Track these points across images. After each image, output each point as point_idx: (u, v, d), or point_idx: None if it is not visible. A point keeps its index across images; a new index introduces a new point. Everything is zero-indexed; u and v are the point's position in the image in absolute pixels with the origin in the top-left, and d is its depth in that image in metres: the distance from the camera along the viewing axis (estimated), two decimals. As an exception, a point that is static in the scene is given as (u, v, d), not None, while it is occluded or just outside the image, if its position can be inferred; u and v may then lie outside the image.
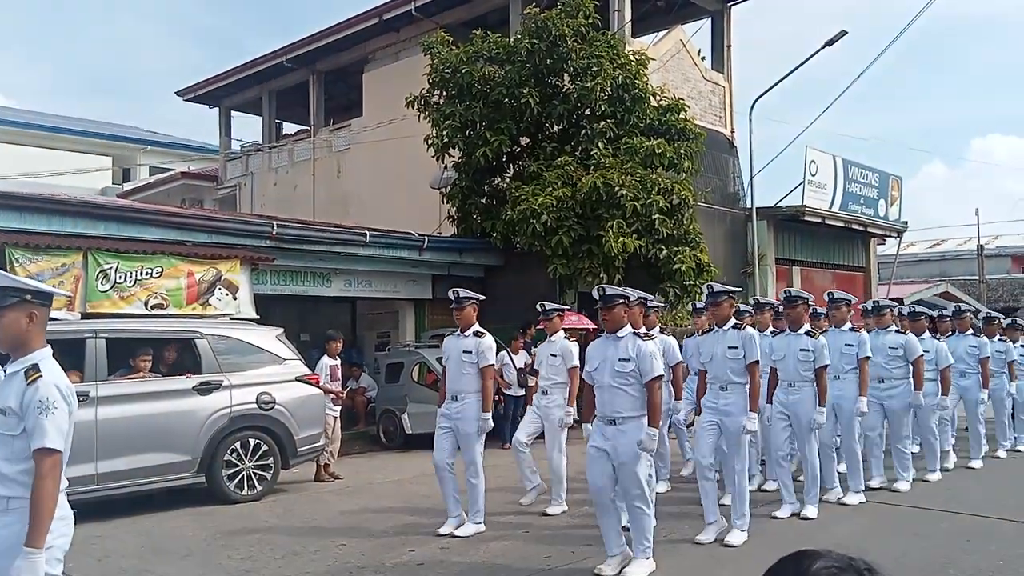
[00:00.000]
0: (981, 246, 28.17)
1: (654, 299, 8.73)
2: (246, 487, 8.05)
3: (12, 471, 2.85)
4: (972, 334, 9.84)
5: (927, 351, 8.43)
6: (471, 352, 6.61)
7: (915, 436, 8.58)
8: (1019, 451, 10.35)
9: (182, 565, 5.85)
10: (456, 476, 6.63)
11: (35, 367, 2.90)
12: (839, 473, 7.70)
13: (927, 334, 8.91)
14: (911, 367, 8.03)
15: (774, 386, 7.07)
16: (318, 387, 8.80)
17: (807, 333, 7.07)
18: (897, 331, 8.30)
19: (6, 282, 3.02)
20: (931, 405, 8.48)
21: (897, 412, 8.03)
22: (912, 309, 9.35)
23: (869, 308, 8.75)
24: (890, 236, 21.37)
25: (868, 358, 7.57)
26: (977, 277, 27.48)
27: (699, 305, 8.75)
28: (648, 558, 5.31)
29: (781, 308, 7.82)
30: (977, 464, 9.30)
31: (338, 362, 9.43)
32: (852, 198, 18.65)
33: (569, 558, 5.74)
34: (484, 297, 7.23)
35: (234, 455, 8.00)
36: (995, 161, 77.13)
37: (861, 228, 19.41)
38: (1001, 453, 9.95)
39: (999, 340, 10.23)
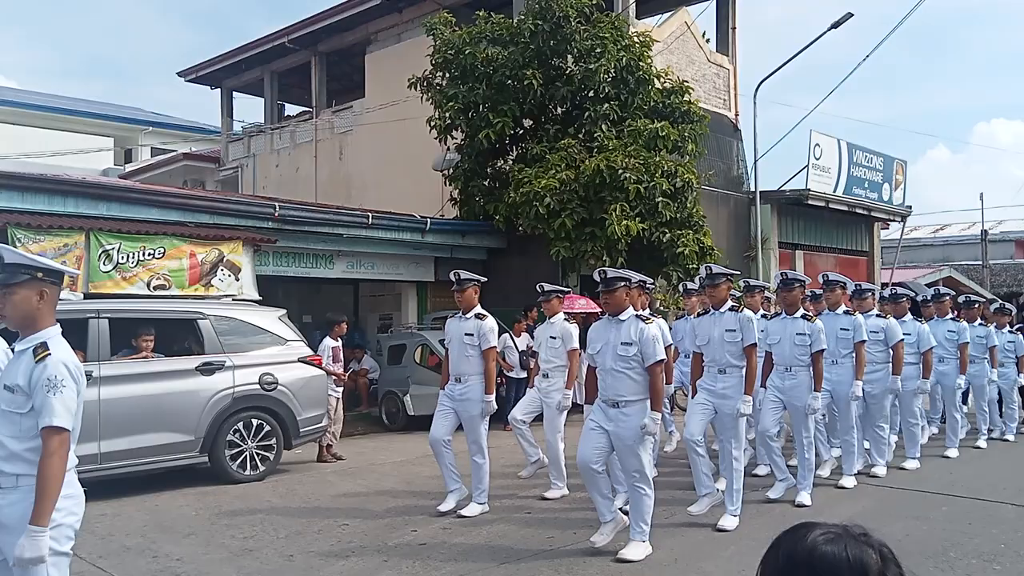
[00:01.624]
0: (985, 231, 28.05)
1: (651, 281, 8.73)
2: (249, 467, 8.08)
3: (20, 448, 2.85)
4: (952, 319, 9.55)
5: (908, 334, 8.30)
6: (473, 334, 6.61)
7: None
8: (1007, 440, 10.05)
9: (185, 544, 5.87)
10: (453, 452, 6.66)
11: (43, 345, 2.89)
12: (836, 458, 7.74)
13: (909, 316, 8.74)
14: (891, 351, 7.97)
15: (769, 370, 6.98)
16: (321, 368, 8.82)
17: (803, 317, 6.98)
18: (878, 315, 8.21)
19: (18, 259, 3.00)
20: (912, 389, 8.40)
21: (876, 397, 7.93)
22: (893, 291, 9.18)
23: (852, 292, 8.44)
24: (894, 220, 21.32)
25: (864, 342, 7.49)
26: (981, 262, 27.39)
27: (691, 287, 8.66)
28: (645, 541, 5.31)
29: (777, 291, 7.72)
30: (953, 453, 8.97)
31: (340, 343, 9.45)
32: (856, 182, 18.58)
33: (571, 539, 5.76)
34: (486, 279, 7.22)
35: (237, 435, 8.02)
36: (999, 146, 76.80)
37: (865, 212, 19.35)
38: (982, 443, 9.61)
39: (979, 325, 9.94)
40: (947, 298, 9.81)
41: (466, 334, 6.63)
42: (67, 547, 2.88)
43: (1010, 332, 10.61)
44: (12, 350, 3.07)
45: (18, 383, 2.86)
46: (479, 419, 6.59)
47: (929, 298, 9.97)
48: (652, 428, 5.32)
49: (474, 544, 5.72)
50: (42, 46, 73.83)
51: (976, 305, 10.21)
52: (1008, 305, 11.23)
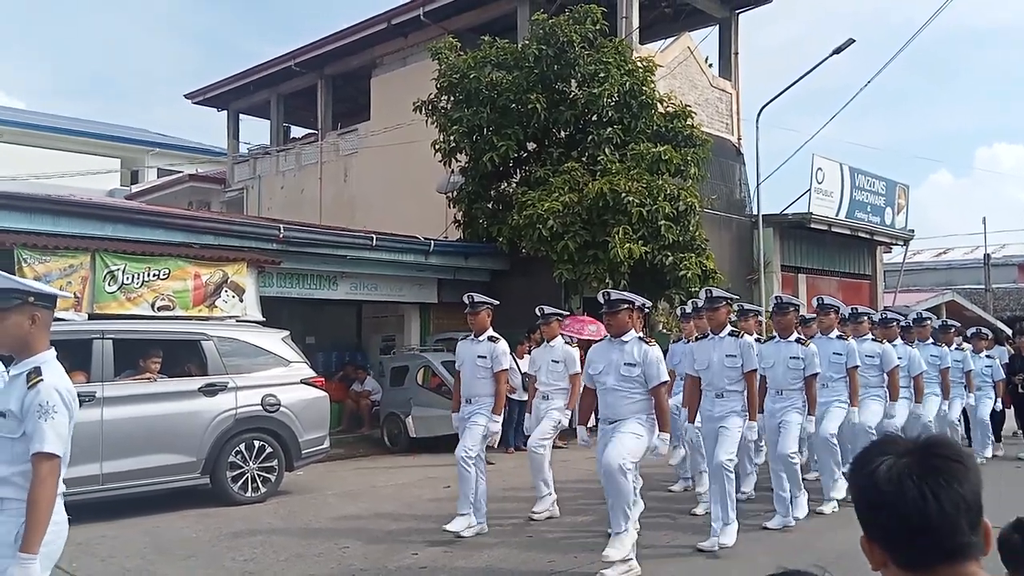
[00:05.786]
0: (988, 255, 28.07)
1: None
2: (250, 489, 8.06)
3: (9, 473, 2.81)
4: (933, 343, 9.48)
5: (900, 358, 8.27)
6: (486, 357, 6.63)
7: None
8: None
9: (185, 566, 5.86)
10: (475, 476, 6.58)
11: (37, 370, 2.86)
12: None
13: (899, 340, 8.70)
14: (886, 377, 7.94)
15: (763, 394, 6.90)
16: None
17: (798, 340, 6.97)
18: (874, 339, 8.18)
19: (8, 284, 2.98)
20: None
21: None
22: (884, 315, 9.14)
23: (847, 316, 8.40)
24: (896, 244, 21.34)
25: (858, 367, 7.47)
26: (983, 286, 27.37)
27: (688, 310, 8.65)
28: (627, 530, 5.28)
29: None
30: None
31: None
32: (859, 206, 18.64)
33: (572, 563, 5.74)
34: (498, 302, 7.25)
35: (239, 457, 8.01)
36: (1002, 170, 76.91)
37: (867, 236, 19.39)
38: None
39: (956, 349, 9.92)
40: (927, 322, 9.77)
41: (479, 356, 6.66)
42: (45, 574, 2.82)
43: (986, 356, 10.61)
44: (8, 374, 3.03)
45: (10, 408, 2.83)
46: (480, 429, 6.55)
47: (911, 323, 9.92)
48: (663, 449, 5.33)
49: (475, 567, 5.70)
50: (40, 65, 74.24)
51: (951, 329, 10.18)
52: (984, 330, 11.19)
